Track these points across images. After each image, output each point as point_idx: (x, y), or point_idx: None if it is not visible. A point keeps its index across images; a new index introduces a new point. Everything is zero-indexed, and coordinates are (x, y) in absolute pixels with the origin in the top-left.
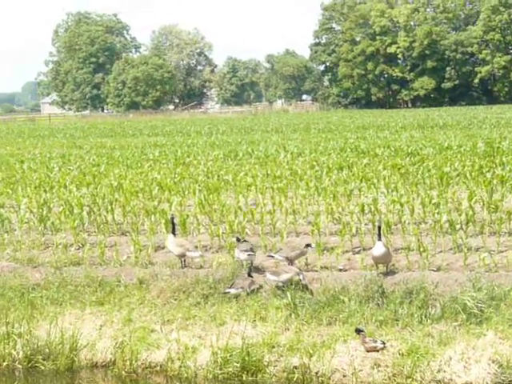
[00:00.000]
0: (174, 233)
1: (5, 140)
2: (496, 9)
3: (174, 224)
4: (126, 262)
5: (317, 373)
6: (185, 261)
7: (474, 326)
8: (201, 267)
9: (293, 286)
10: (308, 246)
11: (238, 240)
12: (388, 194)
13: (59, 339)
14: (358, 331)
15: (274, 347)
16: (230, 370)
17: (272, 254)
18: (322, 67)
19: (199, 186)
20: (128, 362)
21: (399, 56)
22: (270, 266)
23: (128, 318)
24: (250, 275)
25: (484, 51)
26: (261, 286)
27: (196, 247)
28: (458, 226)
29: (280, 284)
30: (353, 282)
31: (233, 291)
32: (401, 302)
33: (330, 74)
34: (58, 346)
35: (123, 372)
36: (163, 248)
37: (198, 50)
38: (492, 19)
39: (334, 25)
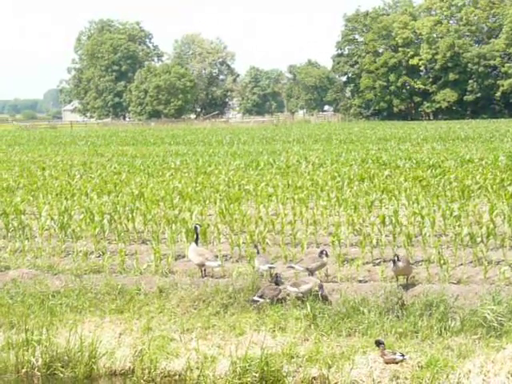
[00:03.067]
0: (196, 242)
1: (26, 147)
2: None
3: (197, 233)
4: (146, 271)
5: None
6: (205, 270)
7: (493, 339)
8: (221, 277)
9: (312, 297)
10: (322, 252)
11: (257, 251)
12: (409, 206)
13: (78, 347)
14: (378, 343)
15: (293, 358)
16: (249, 379)
17: (292, 265)
18: (344, 78)
19: (220, 195)
20: (147, 371)
21: (421, 68)
22: (289, 276)
23: (147, 326)
24: (276, 284)
25: (507, 64)
26: (287, 296)
27: (216, 257)
28: (478, 239)
29: (300, 295)
30: (373, 293)
31: (262, 300)
32: (420, 314)
33: (352, 85)
34: (77, 354)
35: (142, 380)
36: (183, 257)
37: (221, 60)
38: None
39: (356, 36)
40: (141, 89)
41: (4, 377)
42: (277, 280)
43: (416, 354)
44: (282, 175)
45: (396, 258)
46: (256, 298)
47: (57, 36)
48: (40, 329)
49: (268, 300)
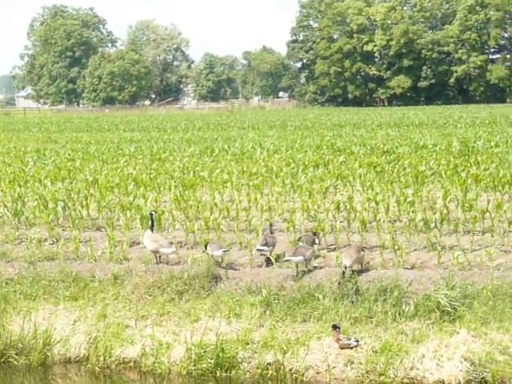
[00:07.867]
0: (152, 229)
1: None
2: (472, 8)
3: (152, 220)
4: (100, 258)
5: (291, 369)
6: (160, 257)
7: (447, 323)
8: (176, 263)
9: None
10: (315, 234)
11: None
12: (363, 192)
13: (32, 334)
14: (335, 327)
15: (248, 344)
16: (204, 366)
17: (288, 258)
18: (299, 64)
19: (175, 182)
20: (102, 358)
21: (376, 54)
22: (245, 262)
23: (102, 313)
24: (313, 244)
25: (460, 51)
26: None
27: (171, 243)
28: (432, 225)
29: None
30: (327, 279)
31: (267, 248)
32: (375, 299)
33: (306, 71)
34: (31, 341)
35: (97, 367)
36: (138, 244)
37: (175, 46)
38: (468, 19)
39: (311, 22)
40: (95, 75)
41: None
42: (271, 229)
43: (370, 339)
44: (237, 162)
45: (344, 269)
46: (260, 247)
47: (9, 22)
48: None
49: (271, 248)
